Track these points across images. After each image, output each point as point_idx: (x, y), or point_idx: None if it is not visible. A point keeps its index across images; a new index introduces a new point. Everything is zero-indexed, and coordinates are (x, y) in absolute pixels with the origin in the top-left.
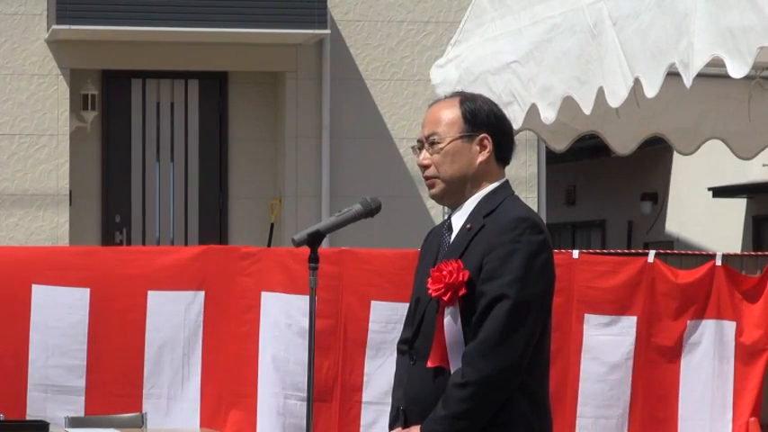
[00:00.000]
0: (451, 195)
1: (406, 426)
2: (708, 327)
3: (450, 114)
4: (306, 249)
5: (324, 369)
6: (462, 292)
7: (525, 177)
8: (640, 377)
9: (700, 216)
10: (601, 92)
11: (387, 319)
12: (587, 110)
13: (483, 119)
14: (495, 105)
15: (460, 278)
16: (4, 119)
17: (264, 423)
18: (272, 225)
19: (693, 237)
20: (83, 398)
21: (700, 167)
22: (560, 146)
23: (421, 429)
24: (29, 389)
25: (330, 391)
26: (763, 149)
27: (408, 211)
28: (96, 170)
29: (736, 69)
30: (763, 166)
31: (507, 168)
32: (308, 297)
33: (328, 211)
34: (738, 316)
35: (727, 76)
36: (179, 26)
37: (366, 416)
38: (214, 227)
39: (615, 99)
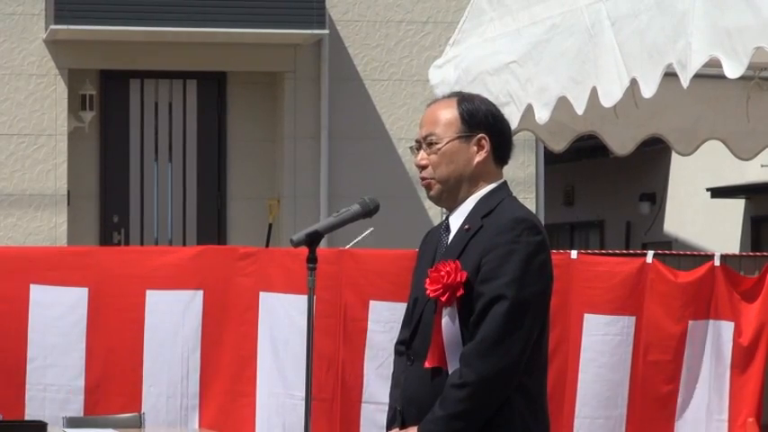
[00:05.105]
0: (449, 196)
1: (403, 426)
2: (706, 327)
3: (448, 114)
4: (304, 250)
5: (323, 369)
6: (460, 292)
7: (524, 178)
8: (638, 377)
9: (698, 216)
10: (594, 92)
11: (386, 319)
12: (580, 110)
13: (481, 119)
14: (494, 106)
15: (458, 279)
16: (2, 119)
17: (263, 423)
18: (271, 225)
19: (692, 237)
20: (81, 398)
21: (698, 168)
22: (559, 146)
23: (418, 430)
24: (27, 389)
25: (329, 390)
26: (762, 150)
27: (407, 212)
28: (94, 170)
29: (732, 69)
30: (762, 166)
31: (505, 169)
32: (306, 297)
33: (327, 211)
34: (737, 316)
35: (725, 77)
36: (177, 26)
37: (365, 416)
38: (212, 227)
39: (609, 99)
